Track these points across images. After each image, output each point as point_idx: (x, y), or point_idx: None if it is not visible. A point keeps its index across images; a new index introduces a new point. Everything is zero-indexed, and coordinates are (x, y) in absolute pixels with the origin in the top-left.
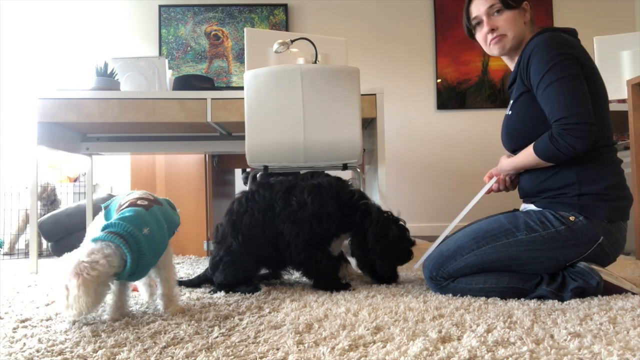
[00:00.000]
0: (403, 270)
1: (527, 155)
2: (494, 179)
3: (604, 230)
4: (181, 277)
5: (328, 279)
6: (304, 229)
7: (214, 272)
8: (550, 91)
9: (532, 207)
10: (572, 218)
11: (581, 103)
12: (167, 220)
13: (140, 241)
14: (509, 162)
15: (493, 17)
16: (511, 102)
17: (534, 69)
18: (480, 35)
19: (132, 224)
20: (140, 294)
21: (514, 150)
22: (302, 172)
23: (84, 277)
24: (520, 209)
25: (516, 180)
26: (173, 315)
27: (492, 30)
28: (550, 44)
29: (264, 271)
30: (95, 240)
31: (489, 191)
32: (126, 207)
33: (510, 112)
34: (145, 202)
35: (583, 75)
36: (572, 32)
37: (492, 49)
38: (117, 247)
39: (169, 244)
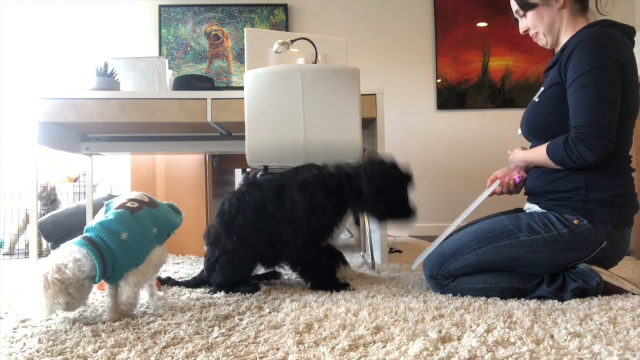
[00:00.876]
0: (403, 270)
1: (540, 153)
2: (497, 182)
3: (608, 236)
4: (181, 277)
5: (326, 279)
6: (301, 227)
7: (210, 273)
8: (581, 94)
9: (536, 207)
10: (576, 221)
11: (605, 115)
12: (159, 222)
13: (112, 248)
14: (521, 154)
15: (521, 19)
16: (542, 89)
17: (573, 66)
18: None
19: (107, 230)
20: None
21: (529, 137)
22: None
23: (47, 279)
24: (524, 208)
25: (520, 184)
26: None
27: (525, 31)
28: (597, 42)
29: (263, 270)
30: (74, 243)
31: (492, 194)
32: (115, 208)
33: (537, 100)
34: (135, 205)
35: (621, 84)
36: (629, 32)
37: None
38: (88, 253)
39: (161, 248)
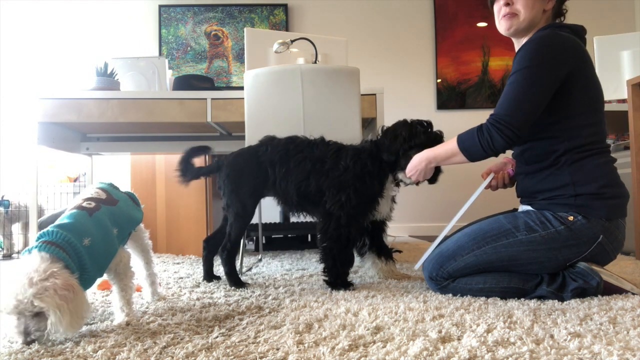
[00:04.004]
0: (403, 270)
1: (446, 144)
2: (492, 176)
3: (603, 229)
4: (181, 277)
5: (342, 269)
6: (349, 195)
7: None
8: (509, 89)
9: (529, 209)
10: (570, 218)
11: (524, 112)
12: (121, 221)
13: (82, 253)
14: (424, 154)
15: None
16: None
17: (515, 62)
18: (496, 6)
19: (72, 233)
20: (142, 293)
21: None
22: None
23: (73, 282)
24: (519, 209)
25: (514, 177)
26: (119, 327)
27: (507, 4)
28: (542, 43)
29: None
30: (39, 249)
31: (488, 187)
32: (71, 210)
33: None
34: (92, 204)
35: (562, 82)
36: (578, 30)
37: (500, 24)
38: (59, 260)
39: (121, 251)
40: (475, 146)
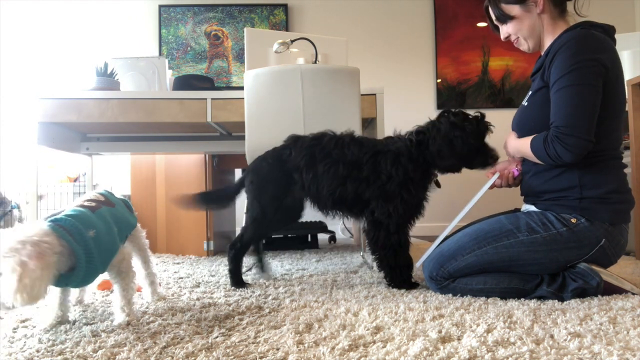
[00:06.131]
0: None
1: (526, 146)
2: (497, 175)
3: (606, 233)
4: (181, 277)
5: (405, 274)
6: (396, 205)
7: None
8: (560, 95)
9: (533, 208)
10: (573, 220)
11: (583, 116)
12: (119, 222)
13: (88, 241)
14: (513, 144)
15: (502, 26)
16: (530, 93)
17: (555, 68)
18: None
19: (80, 222)
20: (142, 293)
21: None
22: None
23: (47, 259)
24: (522, 209)
25: (519, 177)
26: (119, 327)
27: (506, 38)
28: (579, 44)
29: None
30: (45, 223)
31: (492, 187)
32: (72, 208)
33: (526, 104)
34: (93, 204)
35: (602, 83)
36: (609, 30)
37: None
38: (61, 239)
39: (122, 249)
40: (545, 158)
